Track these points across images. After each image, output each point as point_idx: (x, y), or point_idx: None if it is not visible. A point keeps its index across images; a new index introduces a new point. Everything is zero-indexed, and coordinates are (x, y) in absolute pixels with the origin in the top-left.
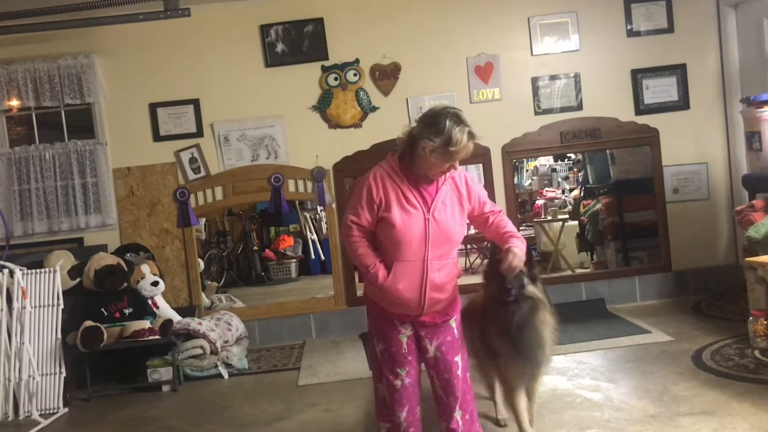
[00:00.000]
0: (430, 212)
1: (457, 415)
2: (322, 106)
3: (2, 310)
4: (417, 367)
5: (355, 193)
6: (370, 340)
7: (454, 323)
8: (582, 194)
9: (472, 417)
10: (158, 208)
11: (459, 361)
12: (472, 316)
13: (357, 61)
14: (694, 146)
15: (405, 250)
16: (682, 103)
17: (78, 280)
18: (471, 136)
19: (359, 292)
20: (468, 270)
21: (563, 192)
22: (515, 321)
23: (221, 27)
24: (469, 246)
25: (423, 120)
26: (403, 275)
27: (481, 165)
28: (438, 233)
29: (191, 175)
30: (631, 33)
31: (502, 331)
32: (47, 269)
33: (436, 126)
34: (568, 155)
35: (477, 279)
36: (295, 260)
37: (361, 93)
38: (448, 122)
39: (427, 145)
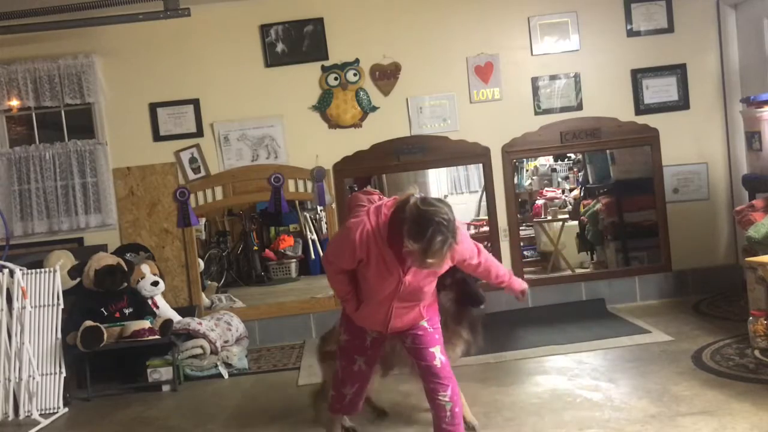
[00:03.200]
0: (405, 275)
1: (442, 401)
2: (322, 106)
3: (2, 310)
4: (376, 355)
5: (341, 240)
6: (340, 327)
7: (426, 323)
8: (582, 194)
9: (461, 410)
10: (158, 208)
11: (437, 352)
12: None
13: (357, 61)
14: (694, 146)
15: (374, 297)
16: (682, 103)
17: (78, 280)
18: (451, 247)
19: None
20: None
21: (563, 192)
22: None
23: (221, 27)
24: None
25: (413, 218)
26: (369, 312)
27: (481, 165)
28: (408, 292)
29: (191, 175)
30: (631, 33)
31: None
32: (47, 269)
33: (421, 232)
34: (568, 155)
35: None
36: (295, 260)
37: (361, 93)
38: (431, 232)
39: (407, 244)
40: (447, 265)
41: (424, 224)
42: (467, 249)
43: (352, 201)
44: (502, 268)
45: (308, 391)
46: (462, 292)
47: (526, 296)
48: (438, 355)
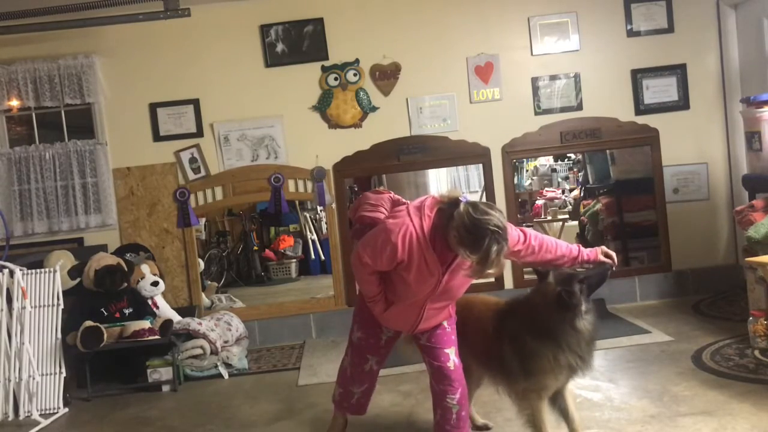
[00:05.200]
0: (444, 275)
1: (450, 404)
2: (322, 106)
3: (2, 310)
4: (387, 355)
5: (382, 242)
6: (353, 322)
7: (445, 323)
8: (582, 194)
9: (466, 414)
10: (158, 208)
11: (452, 354)
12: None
13: (357, 61)
14: (694, 146)
15: (410, 298)
16: (682, 103)
17: (78, 280)
18: (505, 252)
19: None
20: None
21: (563, 192)
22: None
23: (221, 27)
24: None
25: (466, 227)
26: (399, 313)
27: (481, 165)
28: (443, 291)
29: (191, 175)
30: (631, 33)
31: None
32: (47, 269)
33: (477, 242)
34: (568, 155)
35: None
36: (295, 260)
37: (361, 93)
38: (487, 242)
39: (463, 254)
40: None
41: (479, 234)
42: (512, 237)
43: (360, 200)
44: (564, 243)
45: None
46: (588, 285)
47: (615, 258)
48: (452, 357)
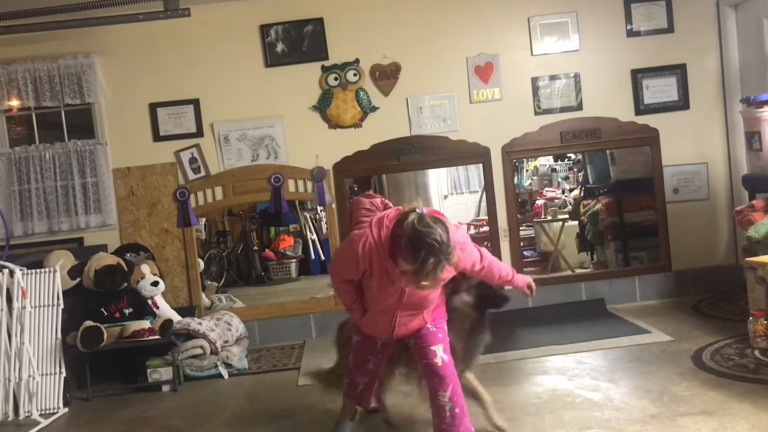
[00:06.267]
0: (407, 286)
1: (442, 402)
2: (322, 106)
3: (2, 310)
4: (386, 356)
5: (345, 252)
6: (350, 330)
7: (429, 324)
8: (582, 194)
9: (462, 411)
10: (158, 208)
11: (438, 351)
12: None
13: (357, 61)
14: (694, 146)
15: (378, 306)
16: (682, 103)
17: (78, 280)
18: (444, 268)
19: None
20: None
21: (563, 192)
22: None
23: (221, 27)
24: None
25: (408, 237)
26: (374, 320)
27: (481, 165)
28: (410, 302)
29: (191, 175)
30: (631, 33)
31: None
32: (47, 269)
33: (414, 252)
34: (568, 155)
35: None
36: (295, 260)
37: (361, 93)
38: (424, 254)
39: (401, 265)
40: (450, 275)
41: (418, 245)
42: (470, 257)
43: (354, 205)
44: (505, 267)
45: (317, 373)
46: (481, 295)
47: (534, 290)
48: (440, 353)
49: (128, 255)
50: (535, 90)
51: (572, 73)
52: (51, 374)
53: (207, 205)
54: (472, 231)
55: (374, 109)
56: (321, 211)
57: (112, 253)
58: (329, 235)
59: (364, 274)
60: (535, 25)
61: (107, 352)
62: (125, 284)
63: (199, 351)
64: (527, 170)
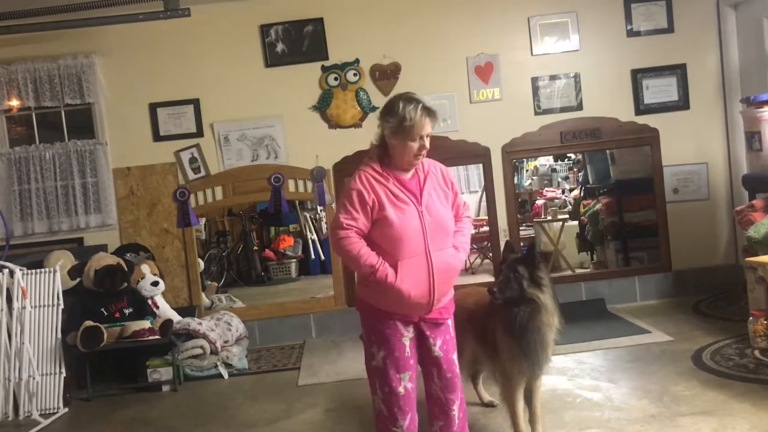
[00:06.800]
0: (421, 205)
1: (455, 413)
2: (322, 106)
3: (2, 310)
4: (416, 370)
5: (346, 197)
6: (367, 349)
7: (450, 322)
8: (582, 194)
9: (465, 416)
10: (158, 208)
11: (457, 360)
12: (476, 310)
13: (357, 61)
14: (694, 146)
15: (406, 247)
16: (682, 103)
17: (78, 280)
18: (426, 111)
19: None
20: (468, 270)
21: (563, 192)
22: (518, 322)
23: (221, 27)
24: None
25: (382, 110)
26: (410, 273)
27: (481, 165)
28: (433, 224)
29: (191, 175)
30: (631, 33)
31: (506, 329)
32: (47, 269)
33: (390, 109)
34: (568, 155)
35: (476, 279)
36: (295, 260)
37: (361, 93)
38: (400, 103)
39: (387, 128)
40: (452, 192)
41: (393, 103)
42: (458, 191)
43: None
44: (464, 243)
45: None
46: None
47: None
48: (457, 362)
49: (128, 255)
50: (535, 90)
51: (572, 73)
52: (51, 374)
53: (207, 205)
54: (472, 231)
55: (374, 109)
56: (321, 211)
57: (112, 253)
58: (329, 235)
59: (374, 211)
60: (535, 25)
61: (107, 352)
62: (125, 284)
63: (199, 351)
64: (527, 170)
